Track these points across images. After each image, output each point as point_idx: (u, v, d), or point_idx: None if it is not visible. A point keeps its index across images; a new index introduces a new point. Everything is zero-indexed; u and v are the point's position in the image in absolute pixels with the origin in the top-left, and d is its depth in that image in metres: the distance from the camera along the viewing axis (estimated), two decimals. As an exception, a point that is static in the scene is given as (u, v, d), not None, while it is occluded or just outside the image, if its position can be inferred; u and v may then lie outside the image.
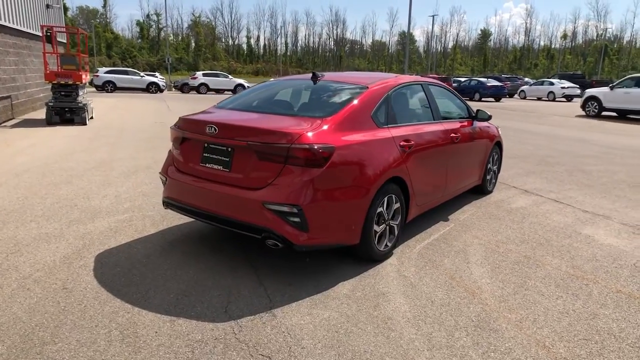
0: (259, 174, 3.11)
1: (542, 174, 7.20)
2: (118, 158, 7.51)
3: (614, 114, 18.40)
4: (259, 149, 3.10)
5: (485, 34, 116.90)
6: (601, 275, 3.55)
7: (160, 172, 3.86)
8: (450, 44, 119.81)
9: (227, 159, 3.28)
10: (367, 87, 3.76)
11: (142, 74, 31.93)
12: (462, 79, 33.13)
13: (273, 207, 3.02)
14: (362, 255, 3.53)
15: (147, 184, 5.81)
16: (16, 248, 3.71)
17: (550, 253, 3.96)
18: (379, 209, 3.48)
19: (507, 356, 2.49)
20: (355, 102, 3.54)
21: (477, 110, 5.26)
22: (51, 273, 3.29)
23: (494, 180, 6.04)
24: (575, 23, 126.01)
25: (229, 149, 3.27)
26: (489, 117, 5.26)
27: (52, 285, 3.10)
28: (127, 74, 30.57)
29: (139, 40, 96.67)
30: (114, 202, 4.99)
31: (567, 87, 30.08)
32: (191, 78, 33.61)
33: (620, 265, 3.73)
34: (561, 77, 36.23)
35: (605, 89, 18.34)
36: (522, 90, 32.85)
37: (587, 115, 18.79)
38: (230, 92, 33.27)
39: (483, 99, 29.30)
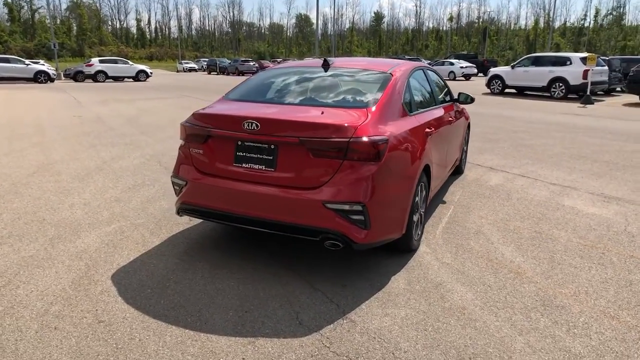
0: (314, 171, 2.88)
1: (494, 151, 7.69)
2: (57, 160, 6.56)
3: (514, 90, 20.25)
4: (314, 144, 2.86)
5: (378, 17, 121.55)
6: (607, 243, 3.87)
7: (173, 175, 3.42)
8: (347, 26, 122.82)
9: (271, 158, 2.98)
10: (392, 74, 3.65)
11: (27, 61, 28.21)
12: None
13: (334, 207, 2.83)
14: (403, 247, 3.47)
15: (112, 188, 5.16)
16: (4, 279, 3.07)
17: (554, 226, 4.24)
18: (416, 198, 3.44)
19: (589, 330, 2.62)
20: (389, 90, 3.42)
21: (459, 93, 5.42)
22: (71, 305, 2.77)
23: (464, 160, 6.32)
24: (459, 6, 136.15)
25: (272, 147, 2.97)
26: (472, 100, 5.44)
27: (83, 320, 2.61)
28: (9, 62, 26.80)
29: (9, 24, 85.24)
30: (89, 213, 4.35)
31: (466, 67, 32.44)
32: (86, 65, 30.51)
33: (616, 232, 4.11)
34: (457, 57, 38.93)
35: (507, 68, 20.09)
36: (425, 71, 34.69)
37: (492, 93, 20.42)
38: (131, 80, 30.82)
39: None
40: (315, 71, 3.86)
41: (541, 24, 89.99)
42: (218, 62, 47.31)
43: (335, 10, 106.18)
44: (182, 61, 56.95)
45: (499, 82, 20.11)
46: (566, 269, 3.39)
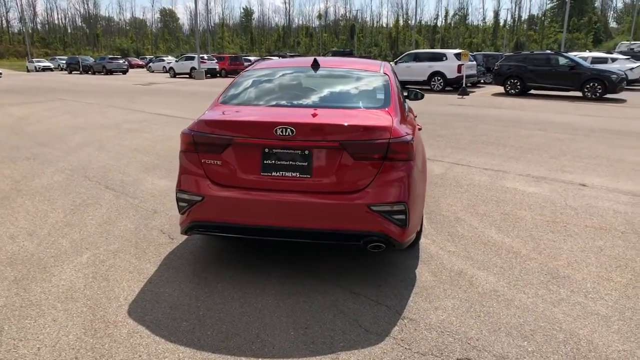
0: (354, 174, 2.83)
1: (418, 142, 8.24)
2: (-50, 184, 5.39)
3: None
4: (356, 147, 2.80)
5: (248, 13, 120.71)
6: (562, 217, 4.46)
7: (180, 191, 3.05)
8: (216, 22, 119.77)
9: (306, 164, 2.85)
10: (385, 74, 3.73)
11: None
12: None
13: (379, 208, 2.82)
14: (417, 241, 3.58)
15: (51, 212, 4.42)
16: (-12, 338, 2.47)
17: (514, 207, 4.74)
18: None
19: (599, 293, 3.01)
20: (393, 90, 3.48)
21: (409, 91, 5.71)
22: (105, 356, 2.35)
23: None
24: (326, 4, 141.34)
25: (306, 152, 2.84)
26: (422, 96, 5.77)
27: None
28: None
29: None
30: (42, 244, 3.68)
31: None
32: None
33: (562, 207, 4.74)
34: (334, 54, 40.56)
35: (391, 64, 21.51)
36: (307, 67, 35.47)
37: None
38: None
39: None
40: (310, 71, 3.75)
41: (401, 22, 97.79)
42: (81, 60, 42.64)
43: (204, 5, 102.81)
44: (34, 59, 50.10)
45: (384, 77, 21.44)
46: (548, 243, 3.82)
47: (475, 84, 22.22)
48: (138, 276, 3.18)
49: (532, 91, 17.61)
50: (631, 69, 18.67)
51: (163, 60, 42.25)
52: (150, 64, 43.36)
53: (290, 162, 2.86)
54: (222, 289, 3.02)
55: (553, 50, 25.26)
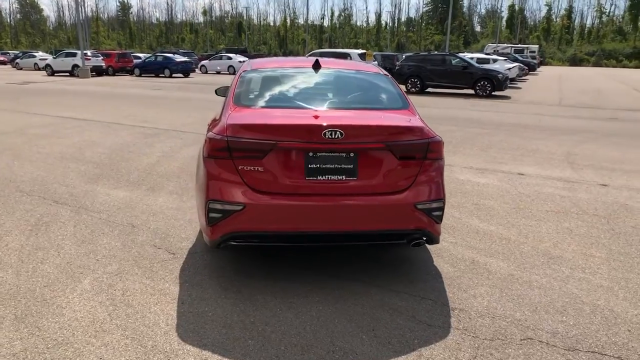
0: (399, 174, 2.89)
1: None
2: None
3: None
4: (401, 148, 2.86)
5: (124, 7, 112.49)
6: (522, 204, 4.99)
7: (213, 201, 2.82)
8: (89, 15, 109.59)
9: (352, 166, 2.83)
10: (387, 75, 3.83)
11: None
12: (169, 54, 31.12)
13: (423, 206, 2.92)
14: None
15: (6, 234, 3.76)
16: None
17: (479, 198, 5.18)
18: None
19: (593, 269, 3.47)
20: (401, 90, 3.60)
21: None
22: (187, 387, 2.12)
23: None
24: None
25: (352, 154, 2.83)
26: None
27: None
28: None
29: None
30: (23, 271, 3.14)
31: (244, 61, 33.42)
32: None
33: (517, 195, 5.30)
34: (228, 51, 39.80)
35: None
36: (203, 65, 34.35)
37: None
38: None
39: (174, 75, 29.15)
40: (317, 71, 3.69)
41: (288, 21, 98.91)
42: None
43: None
44: None
45: (290, 75, 21.62)
46: (526, 228, 4.27)
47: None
48: (164, 298, 2.89)
49: (429, 89, 19.11)
50: (509, 69, 21.22)
51: (34, 57, 37.64)
52: (18, 60, 38.32)
53: (336, 165, 2.83)
54: (264, 301, 2.88)
55: (448, 51, 27.59)
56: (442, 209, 3.02)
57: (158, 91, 18.58)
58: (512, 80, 22.33)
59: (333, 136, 2.77)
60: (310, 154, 2.81)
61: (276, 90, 3.53)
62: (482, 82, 17.15)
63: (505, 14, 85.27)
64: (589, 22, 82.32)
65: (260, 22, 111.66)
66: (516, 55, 39.33)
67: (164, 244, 3.71)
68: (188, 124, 9.94)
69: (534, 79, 29.97)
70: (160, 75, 28.97)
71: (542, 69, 46.38)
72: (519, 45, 59.33)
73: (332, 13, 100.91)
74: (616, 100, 17.39)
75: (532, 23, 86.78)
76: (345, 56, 20.02)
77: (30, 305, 2.76)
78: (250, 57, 38.42)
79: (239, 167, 2.81)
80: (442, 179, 3.05)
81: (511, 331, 2.65)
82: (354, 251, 3.62)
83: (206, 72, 33.99)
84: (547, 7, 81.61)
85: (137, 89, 19.44)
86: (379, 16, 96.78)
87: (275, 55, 77.25)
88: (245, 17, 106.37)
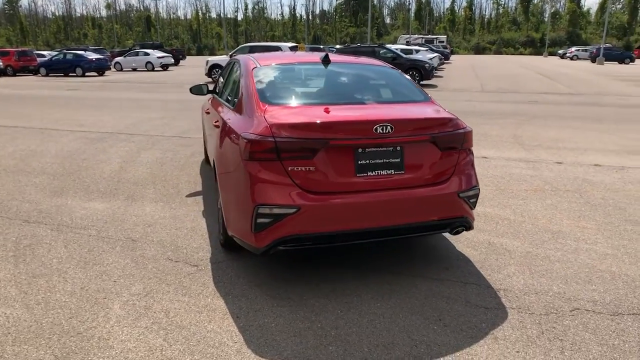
0: (441, 165, 2.95)
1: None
2: None
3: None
4: (444, 139, 2.92)
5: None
6: (503, 185, 5.32)
7: (264, 204, 2.66)
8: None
9: (399, 160, 2.83)
10: (395, 68, 3.86)
11: None
12: (76, 51, 28.32)
13: (464, 194, 3.01)
14: None
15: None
16: None
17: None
18: None
19: (592, 239, 3.80)
20: (414, 82, 3.65)
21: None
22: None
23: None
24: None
25: (398, 148, 2.83)
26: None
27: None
28: None
29: None
30: (37, 306, 2.75)
31: (163, 57, 31.80)
32: None
33: (493, 176, 5.63)
34: (142, 47, 37.61)
35: (225, 58, 21.10)
36: (118, 62, 32.15)
37: (214, 81, 21.14)
38: None
39: (87, 74, 26.97)
40: (326, 68, 3.62)
41: (200, 15, 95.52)
42: None
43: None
44: None
45: (219, 70, 20.99)
46: (517, 208, 4.56)
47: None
48: (214, 314, 2.70)
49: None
50: (431, 58, 22.31)
51: None
52: None
53: (385, 160, 2.82)
54: (321, 305, 2.80)
55: (377, 43, 28.26)
56: (477, 195, 3.14)
57: (76, 92, 17.09)
58: (434, 69, 23.54)
59: (384, 131, 2.75)
60: (360, 150, 2.77)
61: (300, 86, 3.44)
62: (410, 72, 17.84)
63: (412, 6, 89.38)
64: (487, 14, 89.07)
65: (169, 16, 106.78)
66: (429, 45, 41.47)
67: (179, 256, 3.46)
68: (132, 125, 9.29)
69: (450, 68, 31.79)
70: (71, 74, 26.67)
71: (454, 58, 49.32)
72: (429, 36, 62.56)
73: (246, 6, 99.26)
74: (529, 85, 19.02)
75: (437, 15, 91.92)
76: (276, 49, 19.81)
77: (66, 342, 2.44)
78: (169, 52, 36.68)
79: (289, 168, 2.69)
80: (474, 167, 3.16)
81: (558, 304, 2.83)
82: (379, 245, 3.63)
83: (121, 70, 31.82)
84: (451, 0, 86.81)
85: (50, 90, 17.72)
86: (293, 9, 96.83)
87: (189, 50, 74.36)
88: (153, 11, 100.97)
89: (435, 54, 23.74)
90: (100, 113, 11.19)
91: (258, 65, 3.59)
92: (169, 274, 3.19)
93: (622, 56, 42.18)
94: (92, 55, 27.59)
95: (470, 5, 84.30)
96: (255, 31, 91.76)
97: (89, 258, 3.43)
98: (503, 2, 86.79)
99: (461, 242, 3.73)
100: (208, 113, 4.68)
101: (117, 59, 32.75)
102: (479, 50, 71.10)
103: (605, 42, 43.71)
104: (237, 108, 3.34)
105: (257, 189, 2.71)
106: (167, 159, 6.50)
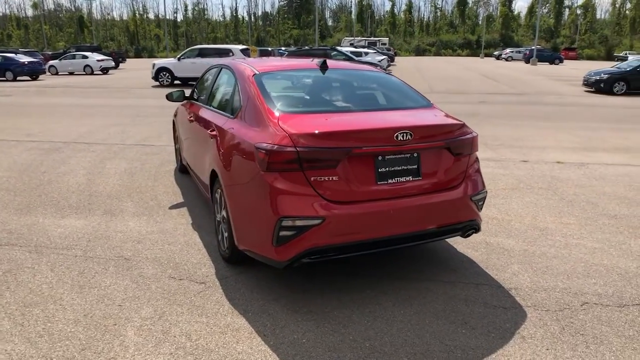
0: (454, 170, 3.00)
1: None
2: None
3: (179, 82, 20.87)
4: (457, 145, 2.98)
5: None
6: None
7: (288, 216, 2.58)
8: None
9: (416, 166, 2.85)
10: (390, 73, 3.88)
11: None
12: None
13: (475, 198, 3.08)
14: None
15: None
16: None
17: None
18: None
19: (578, 234, 4.02)
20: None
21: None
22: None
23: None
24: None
25: (415, 154, 2.84)
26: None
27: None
28: None
29: None
30: (43, 340, 2.50)
31: (103, 60, 30.26)
32: None
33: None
34: (79, 50, 35.63)
35: (173, 60, 20.43)
36: (53, 66, 30.20)
37: (162, 85, 20.40)
38: None
39: (18, 78, 25.12)
40: (323, 74, 3.58)
41: (137, 15, 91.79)
42: None
43: None
44: None
45: (167, 74, 20.29)
46: (500, 207, 4.74)
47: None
48: (240, 334, 2.58)
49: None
50: (380, 60, 22.79)
51: None
52: None
53: (403, 167, 2.83)
54: (345, 316, 2.76)
55: (320, 45, 28.41)
56: (485, 198, 3.22)
57: (9, 97, 15.86)
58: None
59: (404, 138, 2.76)
60: (380, 157, 2.76)
61: (305, 93, 3.38)
62: (364, 74, 18.15)
63: (354, 9, 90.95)
64: (426, 16, 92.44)
65: (104, 16, 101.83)
66: (373, 47, 42.37)
67: (182, 273, 3.29)
68: (86, 134, 8.74)
69: (395, 70, 32.57)
70: (0, 79, 24.74)
71: (397, 60, 50.70)
72: (372, 38, 63.91)
73: (186, 7, 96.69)
74: (475, 86, 19.91)
75: (378, 17, 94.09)
76: (227, 52, 19.45)
77: (86, 375, 2.24)
78: (109, 55, 34.93)
79: (312, 178, 2.63)
80: (480, 170, 3.24)
81: (568, 300, 2.97)
82: (381, 252, 3.62)
83: (57, 74, 29.90)
84: (390, 3, 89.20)
85: (-19, 97, 16.32)
86: (235, 10, 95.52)
87: (127, 52, 71.25)
88: (85, 11, 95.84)
89: (384, 56, 24.29)
90: (46, 121, 10.44)
91: (257, 72, 3.48)
92: (176, 293, 3.02)
93: (552, 57, 45.28)
94: (24, 58, 25.74)
95: (409, 8, 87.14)
96: (196, 33, 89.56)
97: (82, 281, 3.17)
98: (440, 6, 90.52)
99: (459, 243, 3.82)
100: (191, 121, 4.49)
101: (52, 62, 30.77)
102: (419, 52, 73.59)
103: (536, 44, 46.63)
104: (240, 117, 3.22)
105: (279, 200, 2.63)
106: (136, 169, 6.18)
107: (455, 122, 3.09)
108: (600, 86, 16.21)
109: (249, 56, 18.82)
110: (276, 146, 2.64)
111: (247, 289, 3.07)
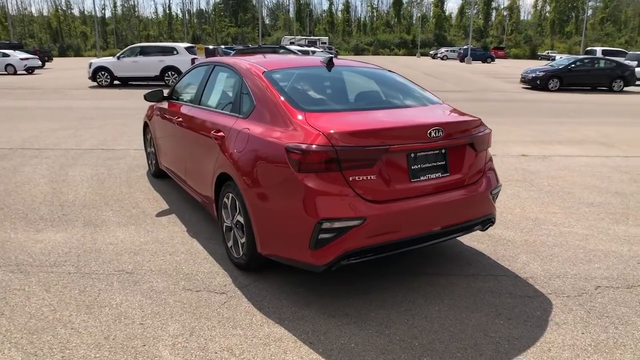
0: (475, 165, 3.06)
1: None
2: None
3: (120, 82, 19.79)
4: (479, 140, 3.04)
5: None
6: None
7: (327, 219, 2.49)
8: None
9: (444, 163, 2.87)
10: (393, 71, 3.89)
11: None
12: None
13: (495, 191, 3.16)
14: None
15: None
16: None
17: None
18: None
19: (567, 223, 4.26)
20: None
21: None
22: None
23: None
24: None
25: (443, 151, 2.86)
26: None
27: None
28: None
29: None
30: (55, 367, 2.24)
31: (28, 59, 27.99)
32: None
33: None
34: (1, 47, 32.77)
35: (113, 59, 19.30)
36: (-32, 65, 27.51)
37: (100, 86, 19.23)
38: None
39: None
40: (339, 72, 3.56)
41: (60, 11, 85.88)
42: None
43: None
44: None
45: (106, 74, 19.16)
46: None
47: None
48: (285, 344, 2.46)
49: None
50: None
51: None
52: None
53: (433, 164, 2.84)
54: (383, 317, 2.72)
55: (259, 44, 28.03)
56: (499, 192, 3.31)
57: None
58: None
59: (436, 134, 2.76)
60: (412, 155, 2.75)
61: (322, 91, 3.31)
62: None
63: (292, 8, 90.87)
64: (363, 16, 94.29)
65: (21, 12, 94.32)
66: (313, 46, 42.57)
67: (197, 285, 3.09)
68: (33, 138, 8.03)
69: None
70: None
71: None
72: (312, 37, 64.19)
73: (115, 3, 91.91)
74: (421, 84, 20.48)
75: (316, 16, 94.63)
76: (171, 50, 18.69)
77: (132, 404, 2.03)
78: (33, 53, 32.36)
79: (350, 178, 2.57)
80: (494, 165, 3.33)
81: (583, 285, 3.12)
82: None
83: (-27, 74, 27.32)
84: (328, 2, 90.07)
85: None
86: (168, 7, 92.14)
87: (51, 50, 66.52)
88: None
89: (331, 55, 24.46)
90: (-20, 126, 9.48)
91: (266, 70, 3.34)
92: (199, 306, 2.83)
93: (484, 56, 47.88)
94: None
95: (347, 8, 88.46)
96: (127, 30, 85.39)
97: (88, 300, 2.89)
98: (377, 6, 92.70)
99: (465, 237, 3.90)
100: (177, 123, 4.24)
101: (-32, 61, 28.03)
102: (358, 51, 74.91)
103: (466, 43, 49.09)
104: (254, 116, 3.08)
105: (318, 202, 2.54)
106: (104, 175, 5.76)
107: (475, 118, 3.15)
108: (537, 83, 17.38)
109: (195, 54, 18.21)
110: (314, 146, 2.54)
111: (273, 296, 2.95)
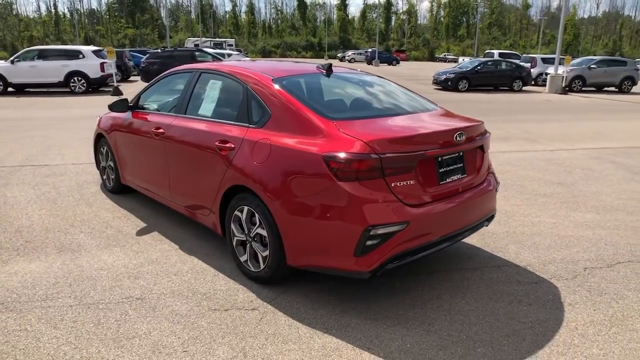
0: (484, 165, 3.31)
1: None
2: None
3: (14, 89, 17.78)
4: (486, 142, 3.28)
5: None
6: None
7: (375, 225, 2.55)
8: None
9: (462, 165, 3.07)
10: (383, 77, 4.01)
11: None
12: None
13: (497, 189, 3.41)
14: None
15: None
16: None
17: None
18: None
19: (533, 214, 4.72)
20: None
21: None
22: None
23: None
24: None
25: (461, 154, 3.05)
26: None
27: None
28: None
29: None
30: None
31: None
32: None
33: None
34: None
35: (6, 64, 17.22)
36: None
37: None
38: None
39: None
40: (328, 77, 3.57)
41: None
42: None
43: None
44: None
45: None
46: (456, 195, 5.27)
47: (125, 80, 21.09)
48: (341, 352, 2.46)
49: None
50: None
51: None
52: None
53: (454, 166, 3.02)
54: (422, 315, 2.84)
55: (162, 46, 26.80)
56: (498, 189, 3.60)
57: None
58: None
59: (460, 138, 2.94)
60: (439, 158, 2.90)
61: (337, 98, 3.34)
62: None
63: (193, 9, 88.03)
64: (268, 18, 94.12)
65: None
66: (218, 48, 41.73)
67: (222, 304, 2.95)
68: (-60, 157, 6.96)
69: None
70: None
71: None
72: (217, 39, 62.76)
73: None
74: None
75: (220, 18, 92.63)
76: (77, 53, 17.16)
77: None
78: None
79: (392, 184, 2.64)
80: None
81: (573, 268, 3.51)
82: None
83: None
84: (232, 3, 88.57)
85: None
86: (54, 7, 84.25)
87: None
88: None
89: (246, 57, 24.19)
90: None
91: (273, 77, 3.28)
92: (237, 325, 2.72)
93: (390, 59, 50.44)
94: None
95: (251, 10, 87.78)
96: (5, 30, 76.50)
97: (110, 334, 2.63)
98: (281, 8, 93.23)
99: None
100: (157, 134, 3.97)
101: None
102: (265, 53, 74.70)
103: (370, 46, 51.32)
104: (271, 126, 3.02)
105: (365, 209, 2.57)
106: (51, 194, 5.19)
107: (481, 122, 3.39)
108: (448, 84, 18.80)
109: (104, 57, 16.93)
110: (356, 154, 2.57)
111: (307, 307, 2.92)
